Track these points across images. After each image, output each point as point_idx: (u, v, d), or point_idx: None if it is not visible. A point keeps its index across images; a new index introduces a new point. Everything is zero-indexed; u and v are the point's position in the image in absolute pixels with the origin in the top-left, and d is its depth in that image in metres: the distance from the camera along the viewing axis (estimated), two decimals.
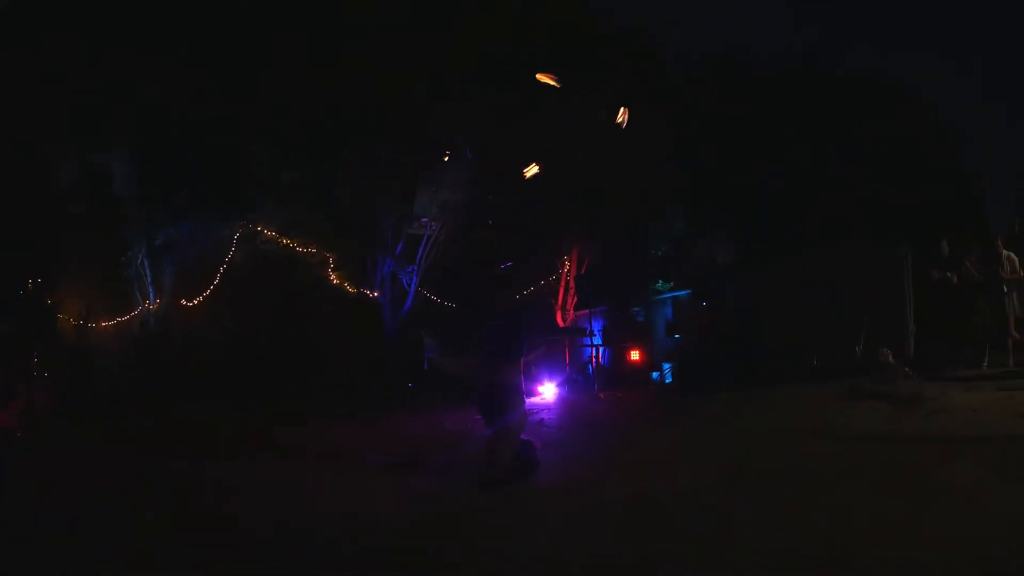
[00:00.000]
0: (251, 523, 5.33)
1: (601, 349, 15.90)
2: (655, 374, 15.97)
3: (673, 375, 15.12)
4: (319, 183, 15.56)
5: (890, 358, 9.61)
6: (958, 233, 10.69)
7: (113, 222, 15.56)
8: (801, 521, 4.50)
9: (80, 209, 15.43)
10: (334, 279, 17.13)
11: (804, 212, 15.05)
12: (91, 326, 16.03)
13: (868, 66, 18.54)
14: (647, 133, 13.76)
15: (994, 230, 13.06)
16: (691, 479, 5.80)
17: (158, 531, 5.13)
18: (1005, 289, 9.70)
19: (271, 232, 16.51)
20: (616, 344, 16.33)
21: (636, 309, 18.20)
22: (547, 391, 13.21)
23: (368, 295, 17.25)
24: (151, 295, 16.30)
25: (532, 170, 13.04)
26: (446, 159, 15.80)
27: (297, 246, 16.72)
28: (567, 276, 18.05)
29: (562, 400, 12.68)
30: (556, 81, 11.23)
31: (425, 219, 16.65)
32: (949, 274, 10.19)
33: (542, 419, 10.09)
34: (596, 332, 15.69)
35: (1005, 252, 9.79)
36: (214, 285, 16.20)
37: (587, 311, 16.58)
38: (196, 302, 16.21)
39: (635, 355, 15.95)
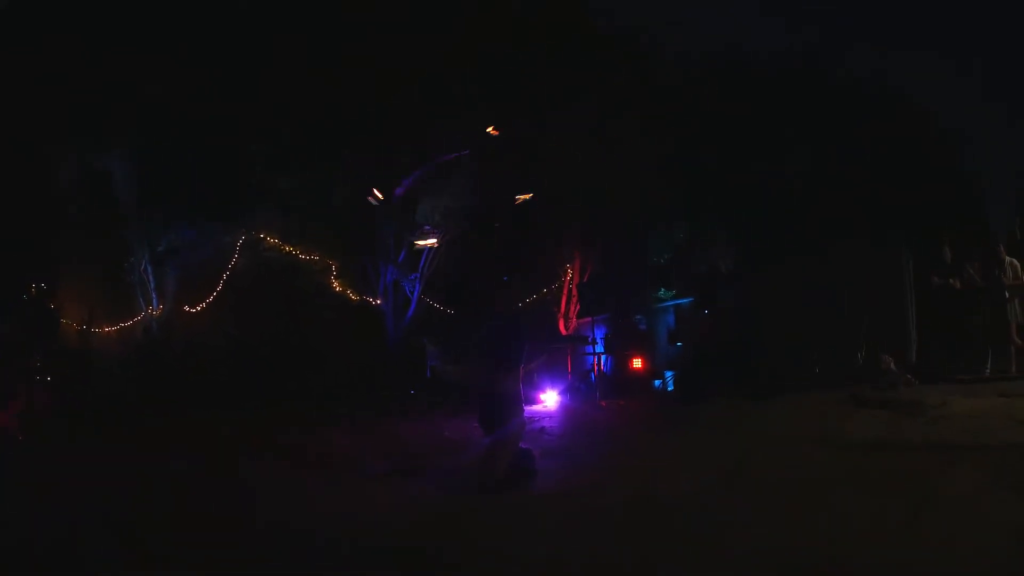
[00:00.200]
0: (251, 523, 5.33)
1: (603, 357, 15.87)
2: (657, 382, 15.93)
3: (675, 383, 15.09)
4: (319, 186, 15.55)
5: (891, 365, 9.59)
6: (958, 234, 10.69)
7: (113, 223, 15.56)
8: (801, 525, 4.51)
9: (80, 210, 15.43)
10: (337, 286, 17.11)
11: (804, 213, 15.03)
12: (94, 331, 16.04)
13: (868, 66, 18.68)
14: (647, 134, 13.78)
15: (994, 230, 13.14)
16: (692, 483, 5.82)
17: (158, 531, 5.13)
18: (1007, 295, 9.72)
19: (273, 239, 16.52)
20: (618, 352, 16.27)
21: (638, 317, 18.18)
22: (549, 399, 13.18)
23: (371, 303, 17.26)
24: (154, 301, 16.34)
25: (524, 197, 13.12)
26: (447, 164, 15.82)
27: (299, 253, 16.71)
28: (569, 284, 18.06)
29: (564, 408, 12.64)
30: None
31: (428, 227, 16.67)
32: (951, 279, 10.20)
33: (543, 427, 10.08)
34: (598, 340, 15.66)
35: (1008, 258, 9.81)
36: (217, 292, 16.24)
37: (589, 319, 16.54)
38: (199, 308, 16.25)
39: (637, 363, 15.90)
